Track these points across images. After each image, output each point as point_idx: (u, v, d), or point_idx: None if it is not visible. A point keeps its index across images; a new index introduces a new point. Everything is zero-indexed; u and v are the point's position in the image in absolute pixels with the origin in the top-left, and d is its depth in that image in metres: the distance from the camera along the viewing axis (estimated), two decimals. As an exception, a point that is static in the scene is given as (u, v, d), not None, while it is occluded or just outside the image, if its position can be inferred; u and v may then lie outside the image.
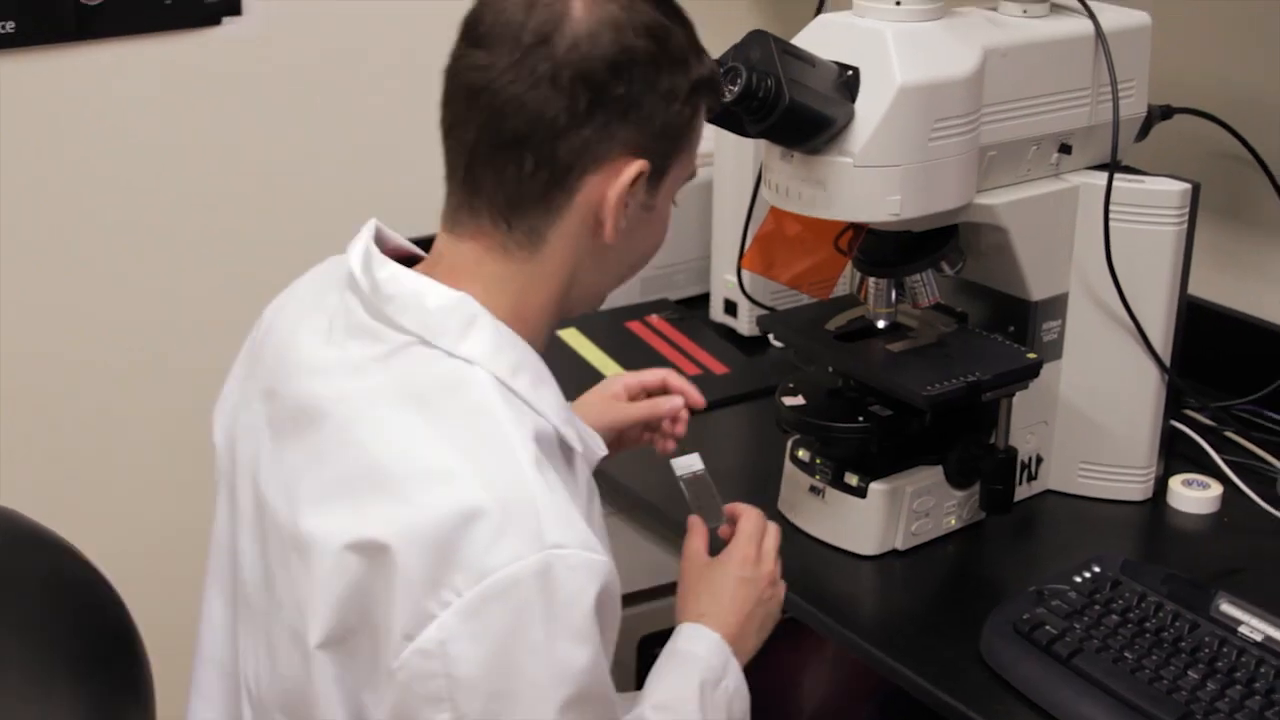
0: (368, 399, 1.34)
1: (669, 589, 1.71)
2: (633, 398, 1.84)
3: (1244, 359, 2.19)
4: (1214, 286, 2.26)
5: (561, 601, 1.24)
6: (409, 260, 1.44)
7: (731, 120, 1.66)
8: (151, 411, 2.46)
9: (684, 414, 1.84)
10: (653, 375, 1.87)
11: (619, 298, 2.49)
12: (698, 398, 1.84)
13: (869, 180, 1.69)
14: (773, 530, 1.68)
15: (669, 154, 1.39)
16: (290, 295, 1.52)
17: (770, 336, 2.39)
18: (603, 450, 1.45)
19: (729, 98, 1.61)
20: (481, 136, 1.34)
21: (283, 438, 1.41)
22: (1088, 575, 1.72)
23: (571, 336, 2.40)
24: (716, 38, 1.64)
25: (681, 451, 1.80)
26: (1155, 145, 2.07)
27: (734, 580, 1.62)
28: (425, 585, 1.24)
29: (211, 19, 2.35)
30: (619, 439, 1.80)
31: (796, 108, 1.62)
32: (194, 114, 2.38)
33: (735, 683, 1.57)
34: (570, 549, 1.25)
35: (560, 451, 1.37)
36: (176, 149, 2.39)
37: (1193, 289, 2.22)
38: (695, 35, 1.40)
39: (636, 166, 1.35)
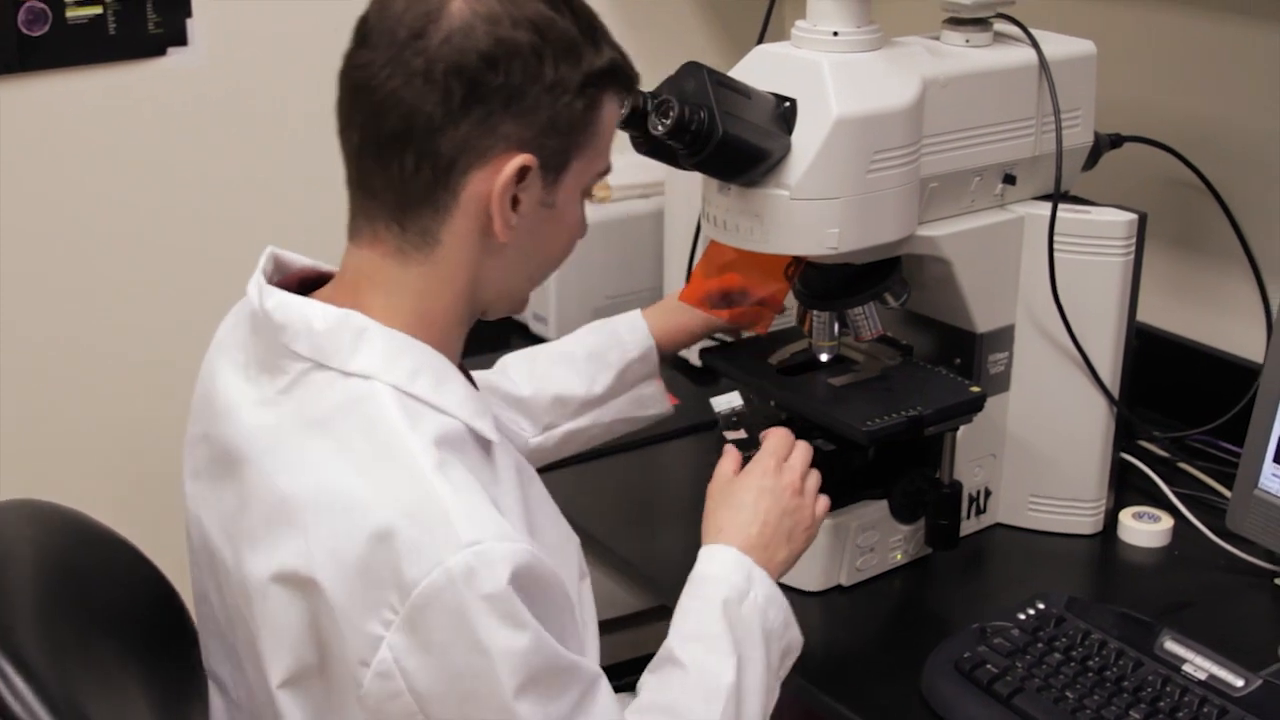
0: (275, 434, 1.35)
1: (618, 622, 1.70)
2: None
3: (1199, 389, 2.17)
4: (1169, 315, 2.24)
5: (489, 594, 1.24)
6: (320, 280, 1.45)
7: (665, 153, 1.64)
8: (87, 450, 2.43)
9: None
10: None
11: (568, 329, 2.48)
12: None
13: (806, 213, 1.66)
14: (801, 447, 1.65)
15: (565, 149, 1.37)
16: (216, 336, 1.51)
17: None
18: (526, 434, 1.47)
19: (660, 131, 1.59)
20: (365, 136, 1.34)
21: (217, 480, 1.43)
22: (1031, 613, 1.70)
23: (521, 368, 2.37)
24: (662, 67, 1.63)
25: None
26: (1106, 174, 2.05)
27: (754, 491, 1.59)
28: (362, 610, 1.25)
29: (157, 50, 2.33)
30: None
31: (731, 141, 1.60)
32: (139, 146, 2.36)
33: (764, 592, 1.54)
34: (486, 542, 1.25)
35: (475, 445, 1.36)
36: (120, 181, 2.36)
37: (1147, 318, 2.23)
38: (593, 26, 1.38)
39: (518, 161, 1.33)
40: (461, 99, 1.30)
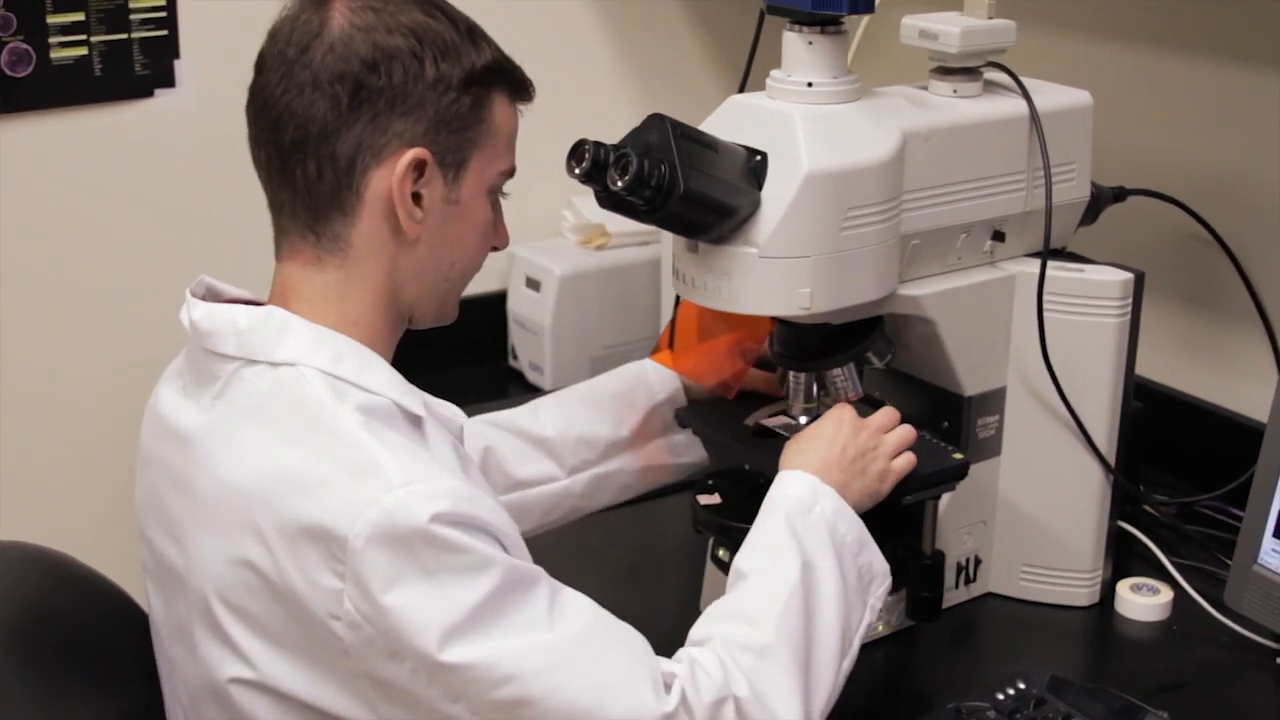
0: (212, 432, 1.40)
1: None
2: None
3: (1208, 451, 2.08)
4: (1178, 374, 2.16)
5: (428, 525, 1.27)
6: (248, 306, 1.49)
7: (627, 208, 1.57)
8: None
9: None
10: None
11: (564, 379, 2.43)
12: None
13: (775, 272, 1.60)
14: (885, 410, 1.68)
15: (460, 146, 1.43)
16: (162, 376, 1.55)
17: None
18: (459, 418, 1.52)
19: (618, 186, 1.52)
20: (270, 153, 1.42)
21: (162, 498, 1.46)
22: (1011, 692, 1.62)
23: (509, 418, 2.31)
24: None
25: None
26: (1109, 229, 1.97)
27: (833, 422, 1.63)
28: (315, 568, 1.29)
29: (144, 91, 2.29)
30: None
31: (693, 196, 1.53)
32: (125, 188, 2.32)
33: (832, 506, 1.56)
34: (418, 483, 1.29)
35: (404, 420, 1.40)
36: (107, 224, 2.32)
37: (1156, 376, 2.15)
38: (471, 30, 1.45)
39: (411, 155, 1.39)
40: (349, 102, 1.38)
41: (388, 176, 1.39)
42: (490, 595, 1.29)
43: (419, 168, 1.40)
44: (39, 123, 2.23)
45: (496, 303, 2.57)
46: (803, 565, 1.48)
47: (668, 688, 1.36)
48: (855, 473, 1.60)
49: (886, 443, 1.64)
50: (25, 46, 2.19)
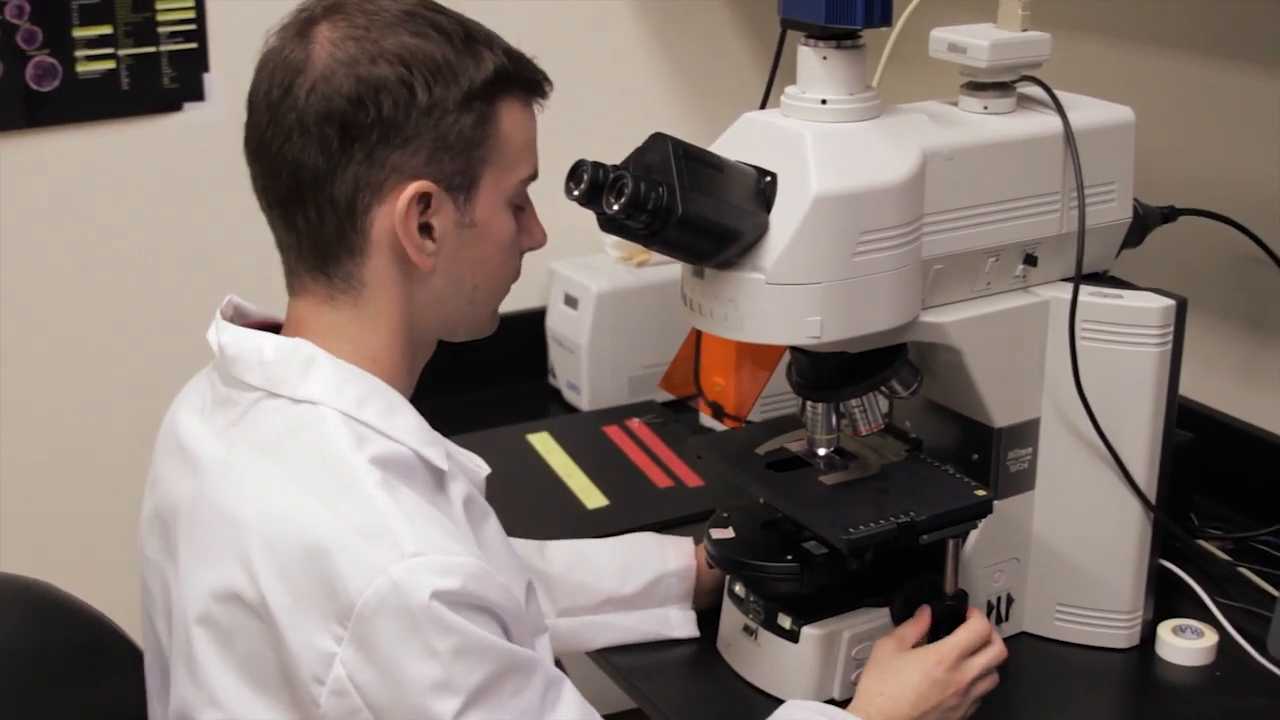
0: (224, 461, 1.36)
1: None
2: None
3: (1268, 483, 1.98)
4: (1236, 402, 2.06)
5: (434, 603, 1.23)
6: (277, 328, 1.45)
7: (629, 231, 1.51)
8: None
9: None
10: None
11: (601, 399, 2.37)
12: None
13: (783, 299, 1.52)
14: (990, 651, 1.63)
15: (468, 166, 1.36)
16: (181, 391, 1.52)
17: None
18: (483, 470, 1.46)
19: (613, 209, 1.46)
20: (269, 200, 1.38)
21: (165, 519, 1.43)
22: (1033, 745, 1.53)
23: (541, 441, 2.25)
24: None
25: None
26: (1159, 251, 1.88)
27: (922, 676, 1.58)
28: (311, 625, 1.25)
29: (172, 105, 2.26)
30: None
31: (692, 220, 1.46)
32: (153, 204, 2.29)
33: None
34: (431, 554, 1.24)
35: (426, 473, 1.36)
36: (135, 240, 2.29)
37: (1214, 404, 2.05)
38: (470, 40, 1.36)
39: (413, 189, 1.34)
40: (339, 143, 1.32)
41: (391, 214, 1.34)
42: (488, 679, 1.25)
43: (424, 199, 1.34)
44: (66, 137, 2.21)
45: (536, 319, 2.51)
46: None
47: None
48: None
49: (970, 697, 1.61)
50: (51, 60, 2.17)
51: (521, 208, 1.43)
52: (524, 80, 1.40)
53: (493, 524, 1.45)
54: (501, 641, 1.27)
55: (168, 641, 1.41)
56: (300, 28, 1.35)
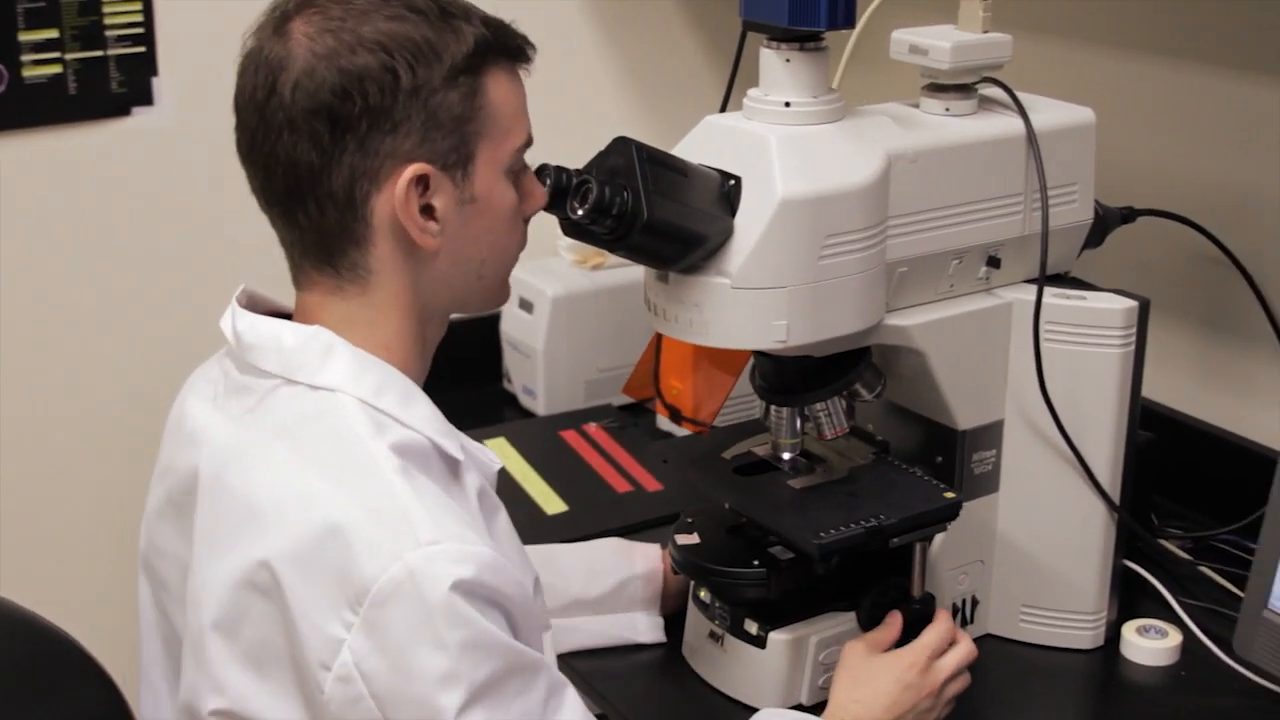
0: (241, 446, 1.36)
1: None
2: None
3: (1226, 482, 1.98)
4: (1194, 402, 2.06)
5: (450, 593, 1.23)
6: (288, 318, 1.44)
7: (590, 236, 1.49)
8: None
9: None
10: None
11: (557, 404, 2.35)
12: None
13: (749, 304, 1.51)
14: (959, 651, 1.63)
15: (462, 142, 1.36)
16: (188, 380, 1.52)
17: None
18: (496, 463, 1.46)
19: (577, 214, 1.44)
20: (268, 200, 1.38)
21: (180, 509, 1.42)
22: (1001, 748, 1.53)
23: (498, 446, 2.23)
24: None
25: None
26: (1118, 251, 1.88)
27: (895, 681, 1.58)
28: (322, 610, 1.24)
29: (120, 110, 2.23)
30: None
31: (658, 224, 1.45)
32: (102, 209, 2.25)
33: None
34: (446, 542, 1.24)
35: (442, 463, 1.36)
36: (83, 247, 2.26)
37: (1172, 403, 2.05)
38: (443, 14, 1.35)
39: (410, 172, 1.33)
40: (330, 136, 1.32)
41: (390, 199, 1.34)
42: (494, 676, 1.25)
43: (422, 181, 1.34)
44: (11, 144, 2.17)
45: (490, 324, 2.49)
46: None
47: None
48: None
49: (943, 698, 1.61)
50: (-4, 64, 2.13)
51: (519, 175, 1.43)
52: (506, 48, 1.40)
53: (503, 518, 1.45)
54: (510, 640, 1.27)
55: (183, 629, 1.40)
56: (276, 25, 1.35)
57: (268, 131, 1.33)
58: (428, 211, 1.36)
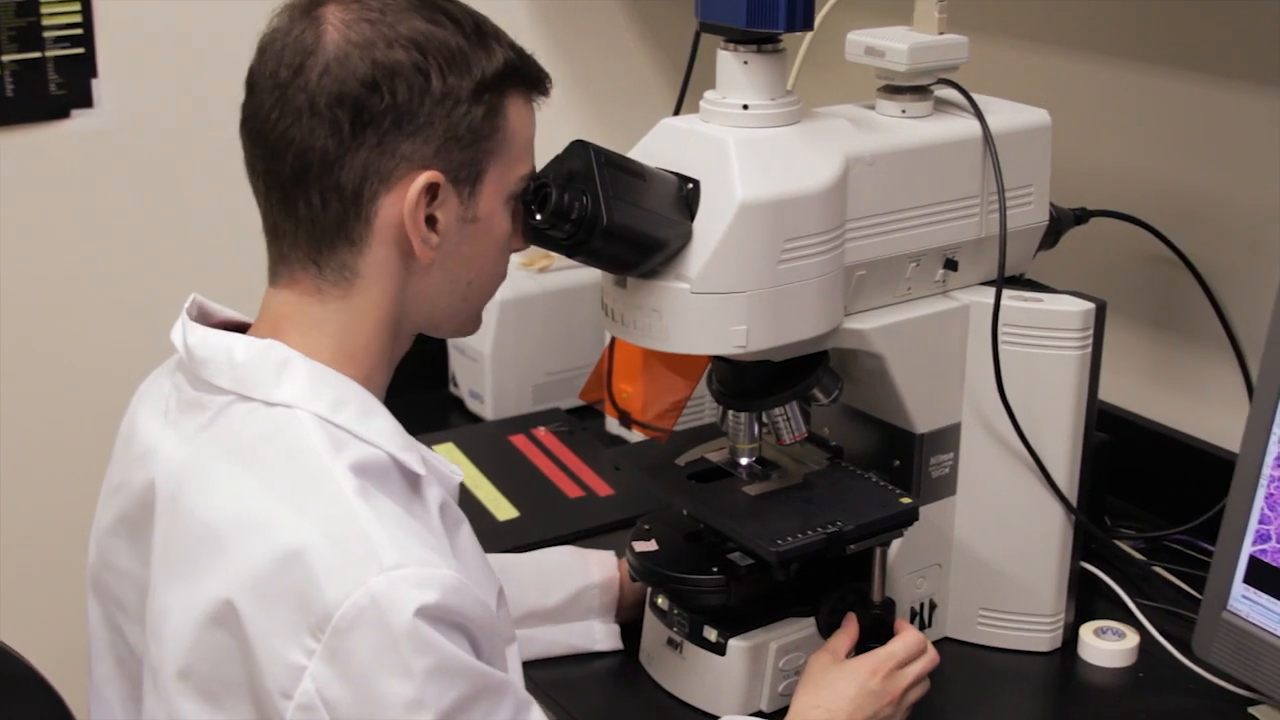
0: (195, 467, 1.32)
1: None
2: None
3: (1179, 483, 1.99)
4: (1147, 403, 2.07)
5: (413, 619, 1.20)
6: (242, 329, 1.41)
7: (548, 241, 1.47)
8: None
9: None
10: None
11: (505, 408, 2.33)
12: None
13: (709, 308, 1.49)
14: (925, 659, 1.62)
15: (474, 159, 1.34)
16: (136, 391, 1.49)
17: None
18: (457, 476, 1.44)
19: (536, 220, 1.42)
20: (269, 183, 1.33)
21: (134, 527, 1.39)
22: (962, 753, 1.52)
23: (446, 452, 2.21)
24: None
25: None
26: (1071, 253, 1.88)
27: (858, 687, 1.57)
28: (283, 636, 1.21)
29: (59, 112, 2.19)
30: None
31: (617, 230, 1.43)
32: (40, 213, 2.21)
33: None
34: (409, 567, 1.21)
35: (403, 479, 1.33)
36: (21, 251, 2.21)
37: (1123, 404, 2.05)
38: (481, 31, 1.34)
39: (424, 179, 1.31)
40: (351, 127, 1.29)
41: (399, 203, 1.31)
42: (460, 701, 1.22)
43: (431, 190, 1.32)
44: (-54, 147, 2.13)
45: (437, 327, 2.46)
46: None
47: None
48: None
49: (903, 707, 1.60)
50: (-69, 66, 2.09)
51: (515, 210, 1.41)
52: (530, 77, 1.39)
53: (466, 531, 1.42)
54: (476, 663, 1.25)
55: (142, 649, 1.37)
56: (307, 8, 1.31)
57: (285, 112, 1.29)
58: (430, 223, 1.33)
